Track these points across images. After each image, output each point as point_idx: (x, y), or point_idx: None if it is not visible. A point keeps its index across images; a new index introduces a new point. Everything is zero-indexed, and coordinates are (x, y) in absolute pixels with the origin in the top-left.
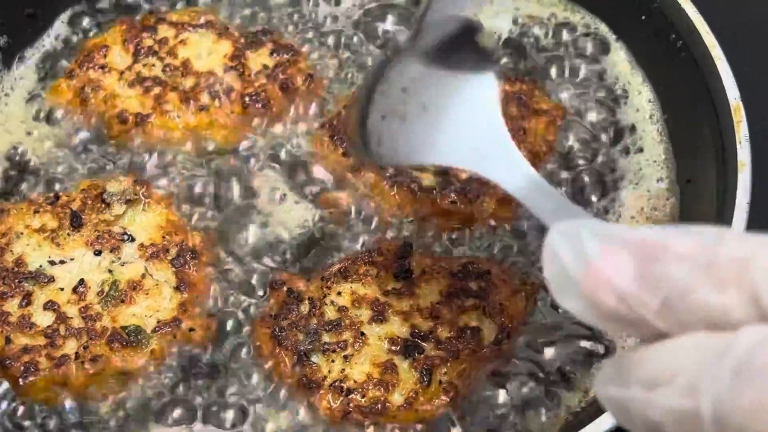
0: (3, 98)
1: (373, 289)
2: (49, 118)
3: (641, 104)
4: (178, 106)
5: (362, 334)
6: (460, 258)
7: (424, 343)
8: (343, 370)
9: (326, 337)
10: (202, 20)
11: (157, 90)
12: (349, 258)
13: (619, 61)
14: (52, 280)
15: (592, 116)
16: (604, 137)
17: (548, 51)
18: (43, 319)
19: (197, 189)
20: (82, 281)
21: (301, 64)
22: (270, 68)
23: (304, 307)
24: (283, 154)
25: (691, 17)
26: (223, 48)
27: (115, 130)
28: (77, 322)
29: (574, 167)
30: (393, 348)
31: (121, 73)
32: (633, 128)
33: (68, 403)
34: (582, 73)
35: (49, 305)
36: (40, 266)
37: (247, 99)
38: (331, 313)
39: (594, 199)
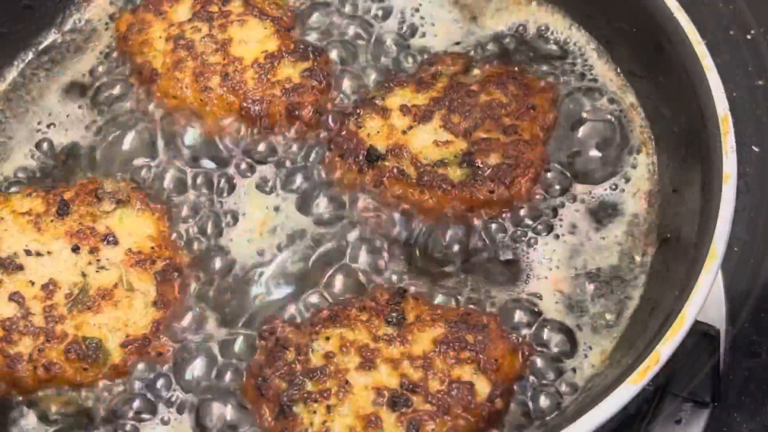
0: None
1: (363, 334)
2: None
3: (630, 114)
4: (188, 76)
5: (347, 382)
6: (457, 308)
7: (412, 396)
8: (325, 422)
9: (310, 386)
10: (274, 13)
11: (183, 53)
12: (339, 303)
13: (608, 71)
14: (20, 268)
15: (579, 125)
16: (590, 149)
17: (537, 57)
18: (6, 309)
19: (195, 208)
20: (53, 279)
21: (320, 96)
22: (291, 84)
23: (290, 354)
24: (286, 170)
25: (684, 27)
26: (270, 44)
27: (135, 79)
28: (38, 320)
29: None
30: (379, 399)
31: (170, 24)
32: (621, 137)
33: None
34: (571, 82)
35: (15, 296)
36: (14, 253)
37: (248, 101)
38: (316, 359)
39: (586, 200)
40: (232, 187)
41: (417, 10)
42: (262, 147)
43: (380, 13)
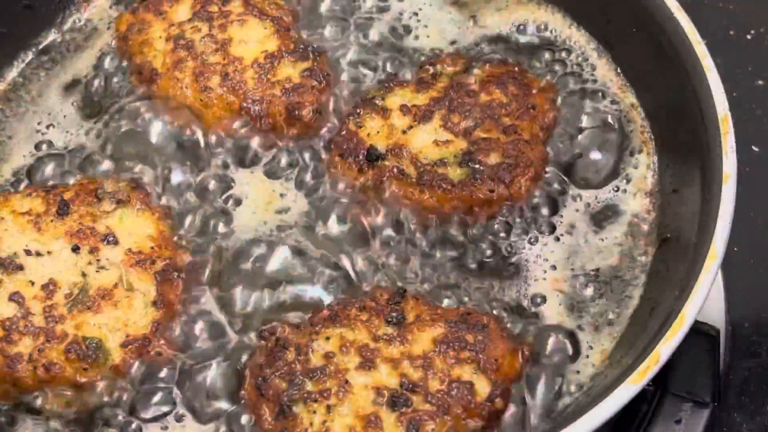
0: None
1: (363, 334)
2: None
3: (630, 114)
4: (188, 76)
5: (347, 382)
6: (457, 308)
7: (412, 396)
8: (325, 422)
9: (310, 386)
10: (274, 12)
11: (183, 53)
12: (339, 303)
13: (608, 71)
14: (20, 268)
15: (579, 125)
16: (591, 149)
17: (537, 57)
18: (6, 309)
19: (196, 210)
20: (53, 279)
21: (322, 95)
22: (291, 84)
23: (290, 354)
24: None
25: (684, 27)
26: (270, 45)
27: (135, 79)
28: (38, 320)
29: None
30: (379, 399)
31: (170, 24)
32: (621, 137)
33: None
34: (572, 82)
35: (15, 296)
36: (14, 253)
37: (248, 101)
38: (316, 359)
39: (586, 201)
40: (230, 186)
41: (417, 11)
42: (261, 147)
43: (381, 12)
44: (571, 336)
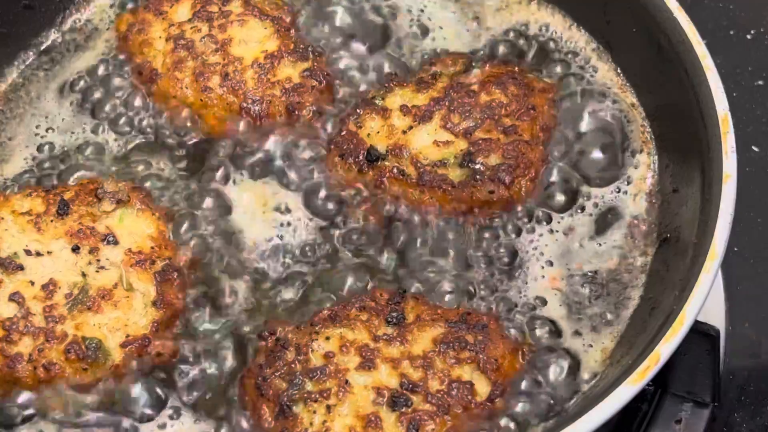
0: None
1: (362, 334)
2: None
3: (630, 114)
4: (188, 76)
5: (347, 382)
6: (457, 308)
7: (412, 396)
8: (325, 422)
9: (310, 386)
10: (274, 12)
11: (183, 53)
12: (340, 303)
13: (609, 71)
14: (20, 268)
15: (580, 126)
16: (591, 149)
17: (537, 57)
18: (6, 309)
19: (192, 208)
20: (53, 279)
21: (321, 96)
22: (291, 84)
23: (290, 354)
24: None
25: (684, 26)
26: (270, 45)
27: (135, 79)
28: (38, 320)
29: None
30: (379, 399)
31: (170, 24)
32: (622, 137)
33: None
34: (572, 82)
35: (15, 296)
36: (14, 253)
37: (248, 101)
38: (316, 359)
39: (586, 201)
40: (232, 187)
41: (422, 10)
42: (261, 147)
43: (383, 12)
44: (571, 336)
